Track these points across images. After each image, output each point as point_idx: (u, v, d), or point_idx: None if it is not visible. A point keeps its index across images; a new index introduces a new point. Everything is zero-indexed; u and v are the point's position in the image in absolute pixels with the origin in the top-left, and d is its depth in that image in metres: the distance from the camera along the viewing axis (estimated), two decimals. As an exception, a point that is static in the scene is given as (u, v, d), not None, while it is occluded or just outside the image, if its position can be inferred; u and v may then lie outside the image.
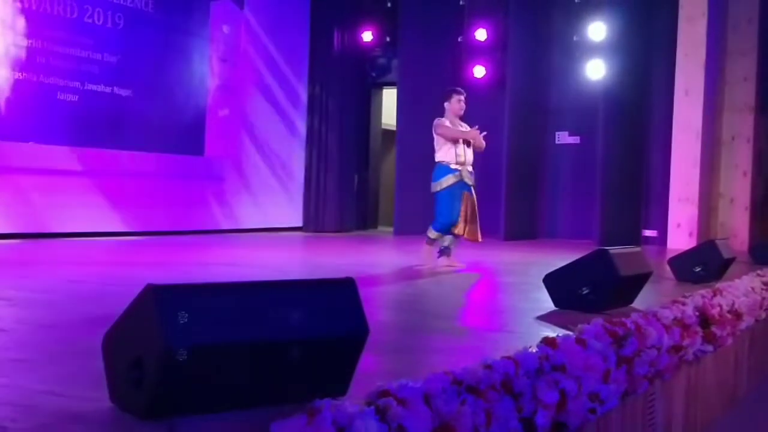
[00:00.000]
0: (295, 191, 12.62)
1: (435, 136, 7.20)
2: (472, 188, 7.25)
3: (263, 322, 2.12)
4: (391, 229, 12.84)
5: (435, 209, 7.17)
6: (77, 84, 9.02)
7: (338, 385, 2.30)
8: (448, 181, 7.07)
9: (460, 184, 7.12)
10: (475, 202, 7.26)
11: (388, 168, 14.42)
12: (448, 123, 7.22)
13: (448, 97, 7.34)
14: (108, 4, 9.27)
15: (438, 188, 7.10)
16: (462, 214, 7.08)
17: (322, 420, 1.93)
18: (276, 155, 12.28)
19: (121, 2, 9.42)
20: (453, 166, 7.10)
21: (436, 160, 7.18)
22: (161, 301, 1.97)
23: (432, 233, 7.14)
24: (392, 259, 8.48)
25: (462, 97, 7.33)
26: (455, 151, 7.12)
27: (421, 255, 7.23)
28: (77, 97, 9.01)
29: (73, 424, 2.06)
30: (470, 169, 7.26)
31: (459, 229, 7.09)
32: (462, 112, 7.39)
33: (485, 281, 6.88)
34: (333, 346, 2.26)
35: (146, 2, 9.72)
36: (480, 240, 7.28)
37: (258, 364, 2.11)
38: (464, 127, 7.30)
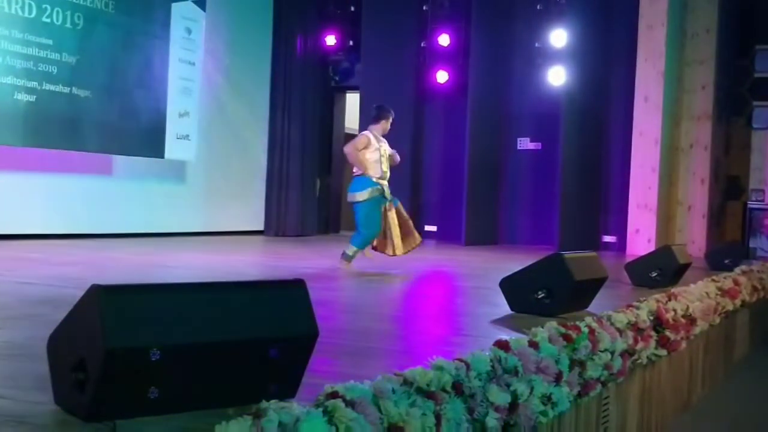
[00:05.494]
0: (256, 195, 12.54)
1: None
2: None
3: (209, 323, 2.09)
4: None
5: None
6: (35, 84, 8.88)
7: (287, 387, 2.28)
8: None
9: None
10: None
11: (350, 172, 14.37)
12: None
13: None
14: (67, 3, 9.15)
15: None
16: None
17: (268, 422, 1.91)
18: (237, 158, 12.20)
19: (81, 2, 9.29)
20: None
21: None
22: (104, 301, 1.94)
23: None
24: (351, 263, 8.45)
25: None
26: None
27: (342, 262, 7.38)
28: (35, 97, 8.88)
29: (16, 426, 2.02)
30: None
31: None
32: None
33: (443, 285, 6.89)
34: (281, 348, 2.24)
35: (106, 3, 9.60)
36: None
37: (204, 365, 2.09)
38: (385, 144, 7.47)
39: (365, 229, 7.25)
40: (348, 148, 7.39)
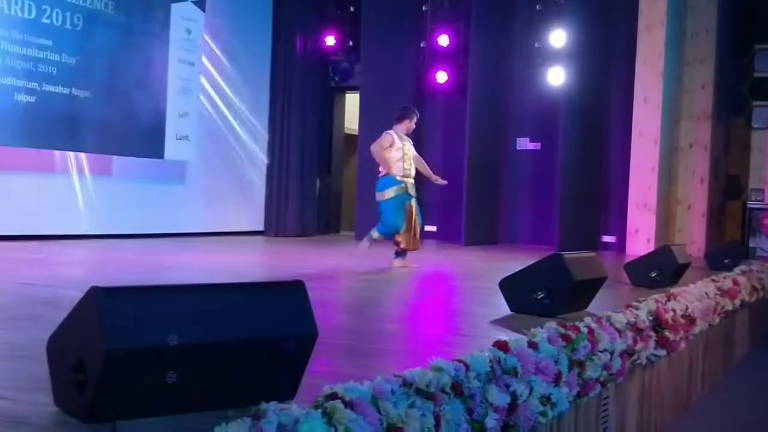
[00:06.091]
0: (256, 195, 12.55)
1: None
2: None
3: (208, 324, 2.10)
4: (353, 234, 12.82)
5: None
6: (35, 85, 8.89)
7: (286, 388, 2.28)
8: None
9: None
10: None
11: (350, 172, 14.41)
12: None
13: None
14: (67, 4, 9.16)
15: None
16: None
17: (267, 423, 1.91)
18: (237, 158, 12.21)
19: (80, 3, 9.31)
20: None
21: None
22: (104, 302, 1.94)
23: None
24: (350, 263, 8.45)
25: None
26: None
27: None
28: (35, 98, 8.89)
29: (17, 427, 2.03)
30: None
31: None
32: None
33: (443, 285, 6.89)
34: (281, 349, 2.24)
35: (106, 3, 9.62)
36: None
37: (203, 366, 2.09)
38: (408, 143, 7.64)
39: (391, 221, 7.46)
40: (374, 147, 7.59)
